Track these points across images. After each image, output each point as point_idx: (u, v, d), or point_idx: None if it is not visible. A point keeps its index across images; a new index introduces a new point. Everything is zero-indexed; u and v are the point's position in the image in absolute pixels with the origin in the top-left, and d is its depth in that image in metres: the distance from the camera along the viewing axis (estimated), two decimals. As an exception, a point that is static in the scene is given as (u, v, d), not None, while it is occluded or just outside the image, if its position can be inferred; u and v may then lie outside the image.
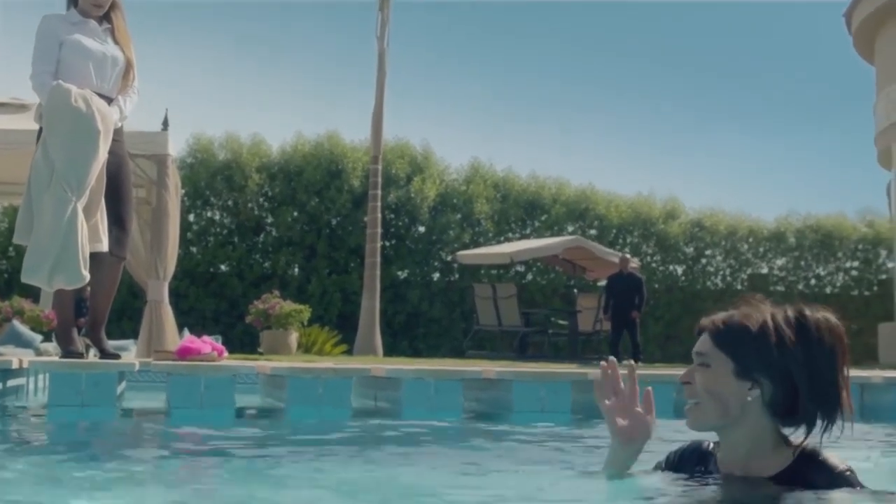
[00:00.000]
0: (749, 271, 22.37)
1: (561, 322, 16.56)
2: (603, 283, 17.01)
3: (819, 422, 1.96)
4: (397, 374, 6.14)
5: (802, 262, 22.42)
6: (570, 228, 21.52)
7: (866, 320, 19.37)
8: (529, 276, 21.63)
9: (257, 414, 6.36)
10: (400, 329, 20.20)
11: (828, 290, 22.20)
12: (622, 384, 2.16)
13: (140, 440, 4.41)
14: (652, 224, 21.84)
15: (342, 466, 3.06)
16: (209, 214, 20.71)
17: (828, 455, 1.96)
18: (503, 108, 37.22)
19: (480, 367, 7.19)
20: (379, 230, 15.76)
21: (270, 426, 5.47)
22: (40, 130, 5.36)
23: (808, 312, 2.00)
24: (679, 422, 2.19)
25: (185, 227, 15.79)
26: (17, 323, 10.12)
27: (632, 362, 2.88)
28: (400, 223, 20.98)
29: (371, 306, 15.24)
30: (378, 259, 15.58)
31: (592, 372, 6.49)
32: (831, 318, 2.00)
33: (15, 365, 5.50)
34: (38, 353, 8.54)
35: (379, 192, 15.88)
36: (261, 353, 11.55)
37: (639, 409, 2.13)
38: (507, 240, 20.80)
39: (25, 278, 5.24)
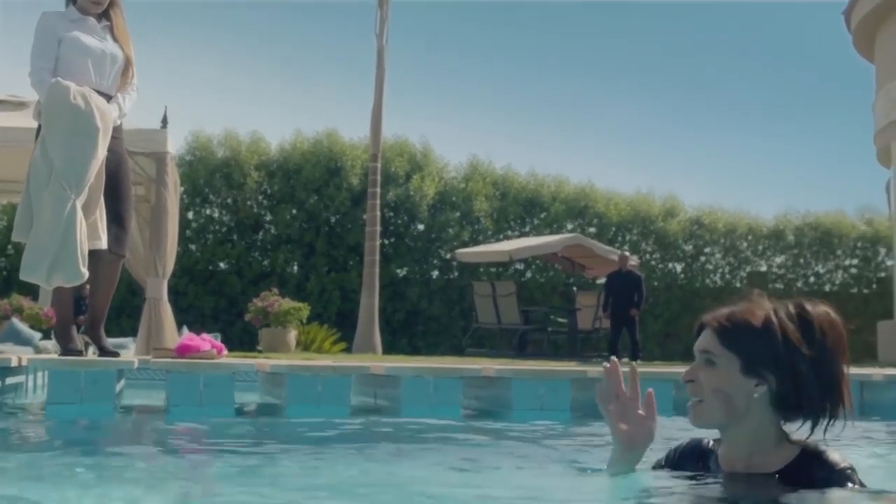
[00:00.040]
0: (748, 269, 22.37)
1: (560, 320, 16.55)
2: (602, 280, 17.02)
3: (824, 415, 1.97)
4: (396, 372, 6.14)
5: (801, 260, 22.43)
6: (570, 226, 21.52)
7: (865, 318, 19.36)
8: (529, 274, 21.64)
9: (256, 412, 6.36)
10: (399, 327, 20.21)
11: (827, 287, 22.21)
12: (624, 387, 2.15)
13: (139, 438, 4.40)
14: (651, 222, 21.84)
15: (341, 464, 3.06)
16: (208, 212, 20.70)
17: (829, 452, 1.96)
18: (502, 105, 37.26)
19: (480, 365, 7.19)
20: (378, 228, 15.75)
21: (269, 424, 5.46)
22: (39, 128, 5.35)
23: (809, 307, 2.00)
24: (679, 420, 2.19)
25: (184, 224, 15.77)
26: (16, 320, 10.11)
27: (633, 364, 2.86)
28: (399, 221, 20.98)
29: (370, 304, 15.24)
30: (377, 257, 15.58)
31: (592, 370, 6.50)
32: (831, 311, 2.01)
33: (14, 363, 5.50)
34: (37, 350, 8.53)
35: (378, 189, 15.88)
36: (260, 351, 11.54)
37: (641, 412, 2.12)
38: (507, 238, 20.80)
39: (24, 276, 5.23)
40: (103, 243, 5.38)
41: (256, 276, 19.82)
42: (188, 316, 16.64)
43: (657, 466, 2.20)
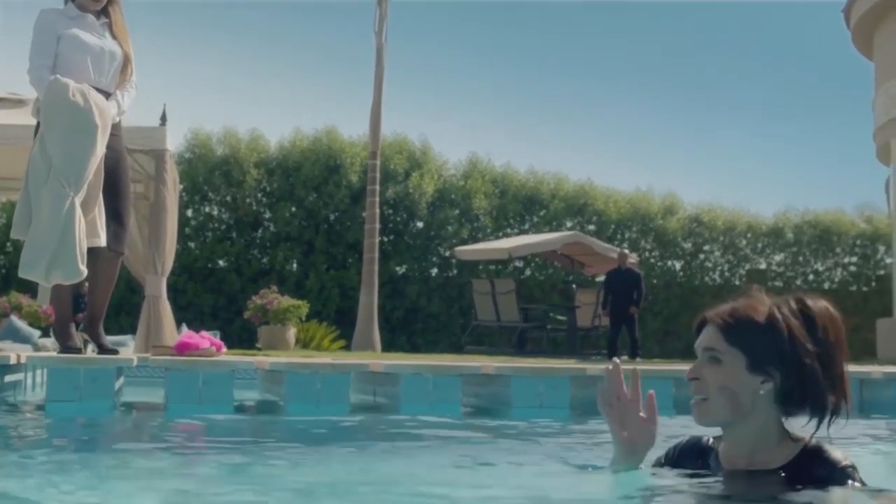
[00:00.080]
0: (747, 267, 22.37)
1: (559, 317, 16.55)
2: (601, 278, 17.01)
3: (827, 411, 1.96)
4: (396, 370, 6.13)
5: (801, 258, 22.44)
6: (569, 224, 21.51)
7: (864, 316, 19.37)
8: (528, 272, 21.63)
9: (255, 409, 6.35)
10: (398, 324, 20.20)
11: (826, 285, 22.22)
12: (625, 389, 2.15)
13: (138, 436, 4.40)
14: (650, 219, 21.84)
15: (340, 462, 3.06)
16: (207, 210, 20.69)
17: (831, 450, 1.96)
18: (502, 103, 37.25)
19: (479, 362, 7.19)
20: (377, 225, 15.75)
21: (268, 421, 5.46)
22: (38, 125, 5.35)
23: (809, 302, 2.00)
24: (679, 418, 2.19)
25: (183, 222, 15.77)
26: (15, 318, 10.12)
27: (634, 366, 2.85)
28: (398, 218, 20.97)
29: (369, 302, 15.24)
30: (376, 254, 15.58)
31: (591, 367, 6.49)
32: (830, 306, 2.02)
33: (13, 360, 5.49)
34: (37, 348, 8.53)
35: (377, 187, 15.87)
36: (259, 349, 11.53)
37: (642, 414, 2.12)
38: (506, 235, 20.79)
39: (23, 273, 5.23)
40: (102, 241, 5.37)
41: (255, 273, 19.80)
42: (187, 313, 16.64)
43: (657, 464, 2.19)
